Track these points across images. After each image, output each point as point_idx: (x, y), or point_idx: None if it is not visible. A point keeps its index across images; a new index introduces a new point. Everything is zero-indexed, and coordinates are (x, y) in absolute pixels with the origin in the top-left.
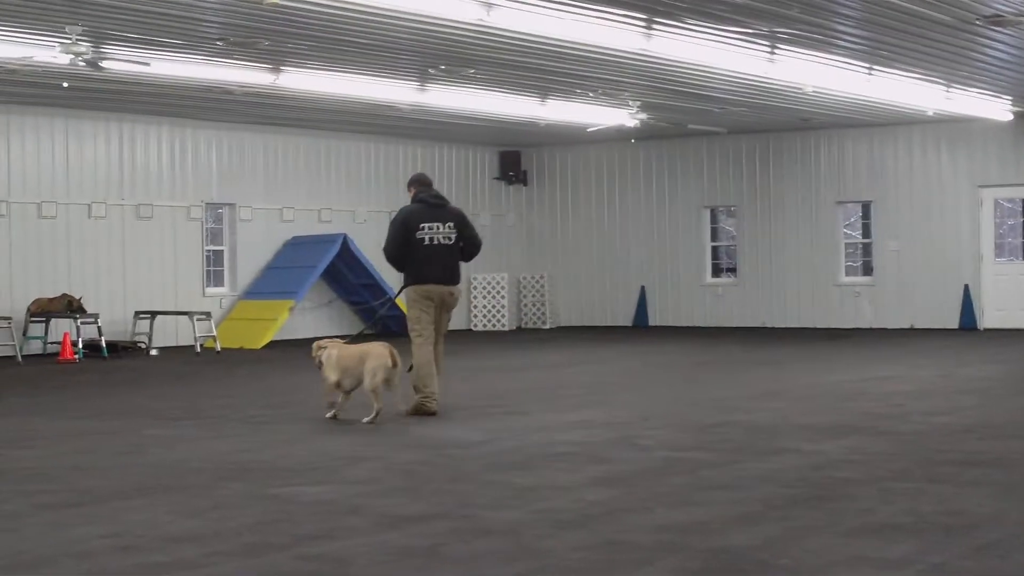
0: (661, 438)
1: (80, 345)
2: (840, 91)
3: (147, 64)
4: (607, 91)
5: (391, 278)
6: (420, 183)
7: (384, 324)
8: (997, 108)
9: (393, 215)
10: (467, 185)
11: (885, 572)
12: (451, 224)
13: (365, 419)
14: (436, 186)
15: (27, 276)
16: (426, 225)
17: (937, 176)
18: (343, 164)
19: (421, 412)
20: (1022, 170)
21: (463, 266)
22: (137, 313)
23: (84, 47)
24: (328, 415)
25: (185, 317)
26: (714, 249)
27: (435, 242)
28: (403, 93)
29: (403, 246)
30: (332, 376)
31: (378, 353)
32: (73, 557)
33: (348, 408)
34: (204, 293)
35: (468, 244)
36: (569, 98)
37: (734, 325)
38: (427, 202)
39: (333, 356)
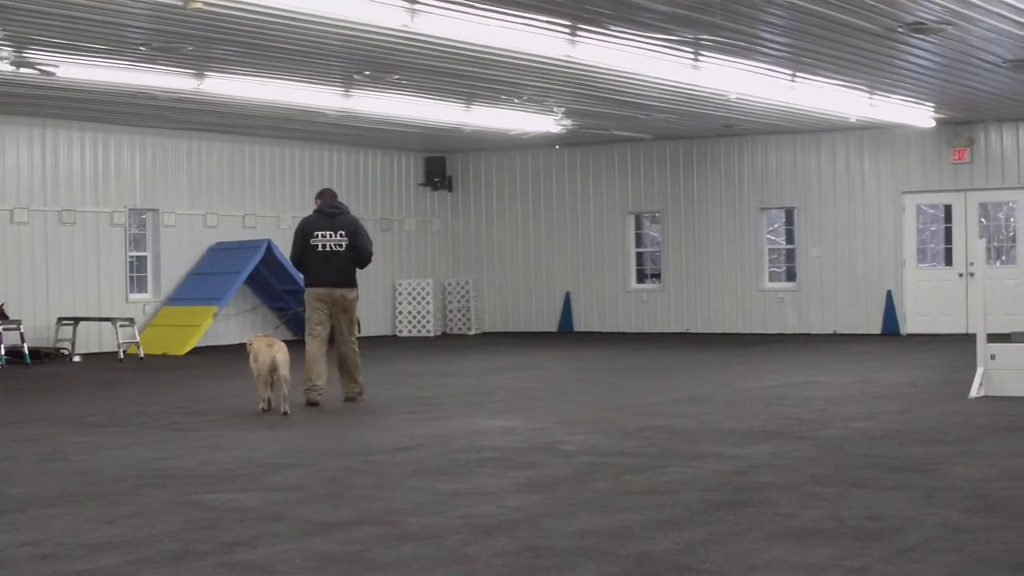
0: (585, 443)
1: (2, 352)
2: (764, 98)
3: (53, 71)
4: (532, 97)
5: None
6: (324, 196)
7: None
8: (919, 115)
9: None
10: (392, 191)
11: None
12: (343, 232)
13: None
14: (362, 191)
15: None
16: (319, 233)
17: (860, 182)
18: (267, 170)
19: (307, 401)
20: (944, 176)
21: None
22: (60, 319)
23: (6, 51)
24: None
25: (108, 323)
26: (638, 255)
27: (328, 248)
28: (328, 99)
29: (302, 252)
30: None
31: (264, 351)
32: None
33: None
34: (127, 299)
35: (357, 252)
36: (494, 104)
37: (658, 331)
38: (323, 212)
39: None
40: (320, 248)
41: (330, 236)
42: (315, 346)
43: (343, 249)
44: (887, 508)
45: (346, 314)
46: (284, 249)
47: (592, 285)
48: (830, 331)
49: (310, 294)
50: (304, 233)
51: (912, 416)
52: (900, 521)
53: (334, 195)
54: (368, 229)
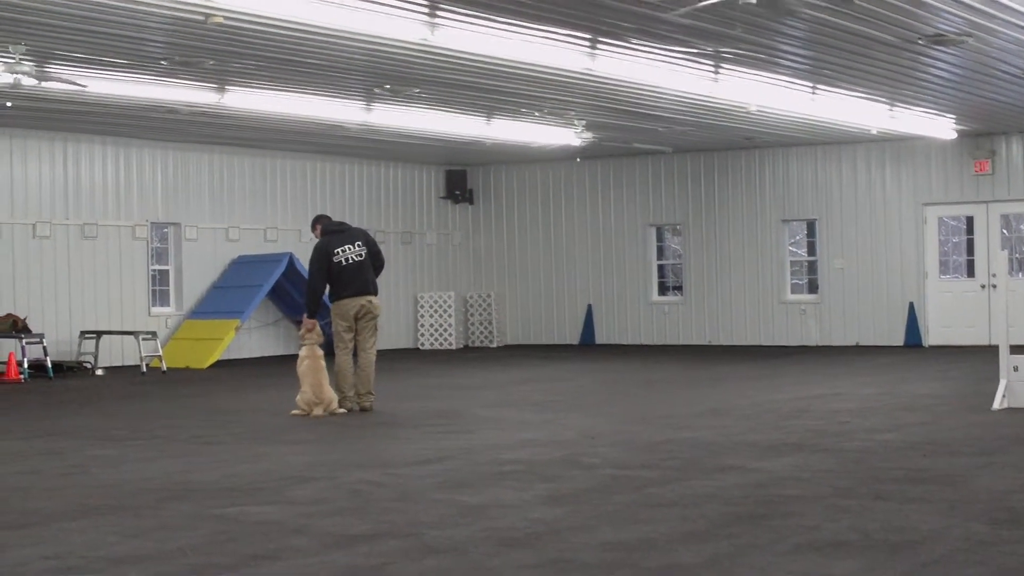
0: (607, 456)
1: (25, 365)
2: (784, 110)
3: (84, 87)
4: (552, 110)
5: None
6: (321, 220)
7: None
8: (940, 127)
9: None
10: (414, 204)
11: None
12: (359, 243)
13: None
14: (383, 205)
15: None
16: (338, 249)
17: (881, 194)
18: (289, 183)
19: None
20: (965, 188)
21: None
22: (83, 333)
23: (28, 66)
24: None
25: (131, 337)
26: (660, 267)
27: (349, 261)
28: (349, 112)
29: (325, 270)
30: None
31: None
32: None
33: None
34: (150, 313)
35: (375, 258)
36: (515, 117)
37: (680, 343)
38: (333, 231)
39: None
40: (345, 262)
41: (350, 249)
42: (345, 358)
43: (363, 258)
44: (911, 520)
45: (373, 320)
46: (306, 263)
47: (614, 297)
48: (852, 343)
49: (337, 307)
50: (326, 254)
51: (935, 428)
52: (924, 533)
53: (329, 217)
54: (389, 242)
